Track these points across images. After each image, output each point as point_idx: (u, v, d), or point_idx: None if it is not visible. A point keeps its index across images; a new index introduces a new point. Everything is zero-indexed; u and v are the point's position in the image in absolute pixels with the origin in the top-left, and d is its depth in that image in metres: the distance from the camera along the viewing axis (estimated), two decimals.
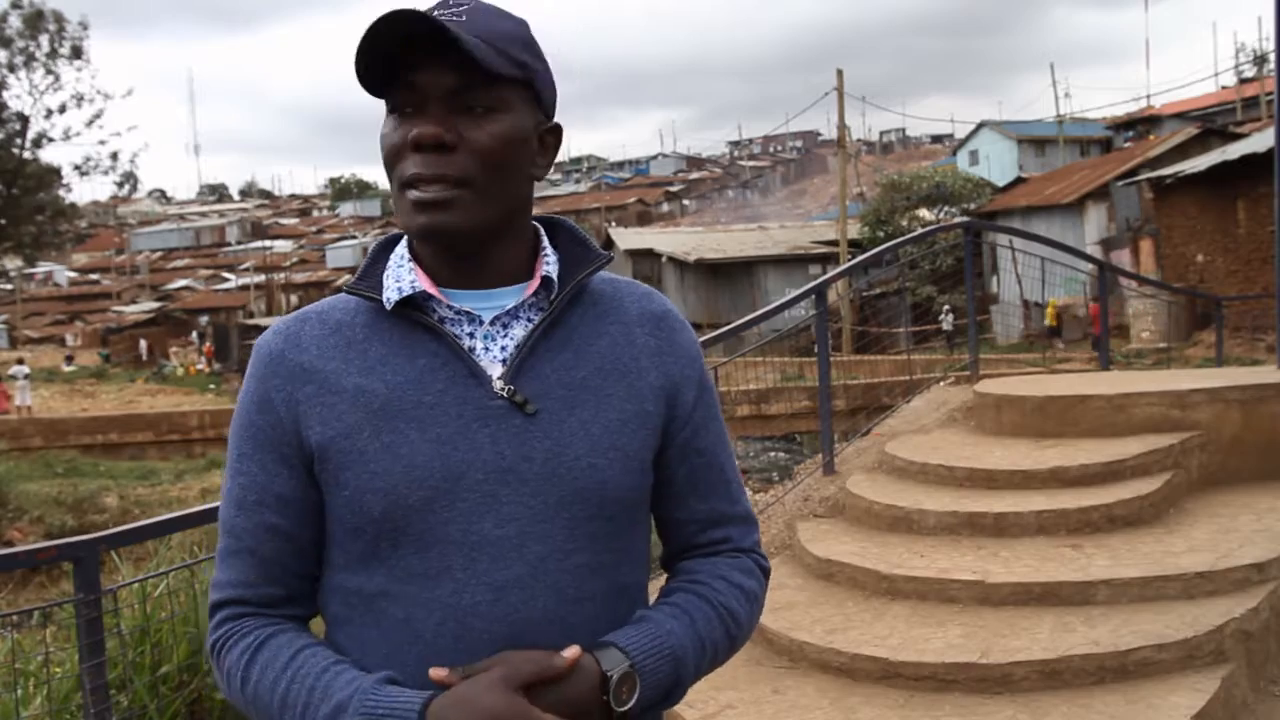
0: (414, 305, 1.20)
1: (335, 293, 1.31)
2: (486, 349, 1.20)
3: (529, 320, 1.22)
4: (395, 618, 1.16)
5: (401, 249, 1.25)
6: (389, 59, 1.14)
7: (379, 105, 1.25)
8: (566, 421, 1.18)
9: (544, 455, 1.17)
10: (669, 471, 1.28)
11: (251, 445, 1.21)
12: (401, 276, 1.21)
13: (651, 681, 1.15)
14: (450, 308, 1.20)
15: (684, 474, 1.29)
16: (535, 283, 1.22)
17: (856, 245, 31.04)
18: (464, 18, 1.15)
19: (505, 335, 1.21)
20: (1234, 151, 21.80)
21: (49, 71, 34.32)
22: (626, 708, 1.12)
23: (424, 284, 1.20)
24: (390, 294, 1.20)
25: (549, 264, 1.23)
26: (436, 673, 1.11)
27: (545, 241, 1.27)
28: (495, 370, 1.19)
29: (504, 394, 1.17)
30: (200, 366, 42.78)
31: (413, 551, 1.15)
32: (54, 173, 35.82)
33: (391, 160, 1.18)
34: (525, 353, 1.20)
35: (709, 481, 1.30)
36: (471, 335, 1.21)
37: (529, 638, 1.15)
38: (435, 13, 1.15)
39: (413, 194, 1.16)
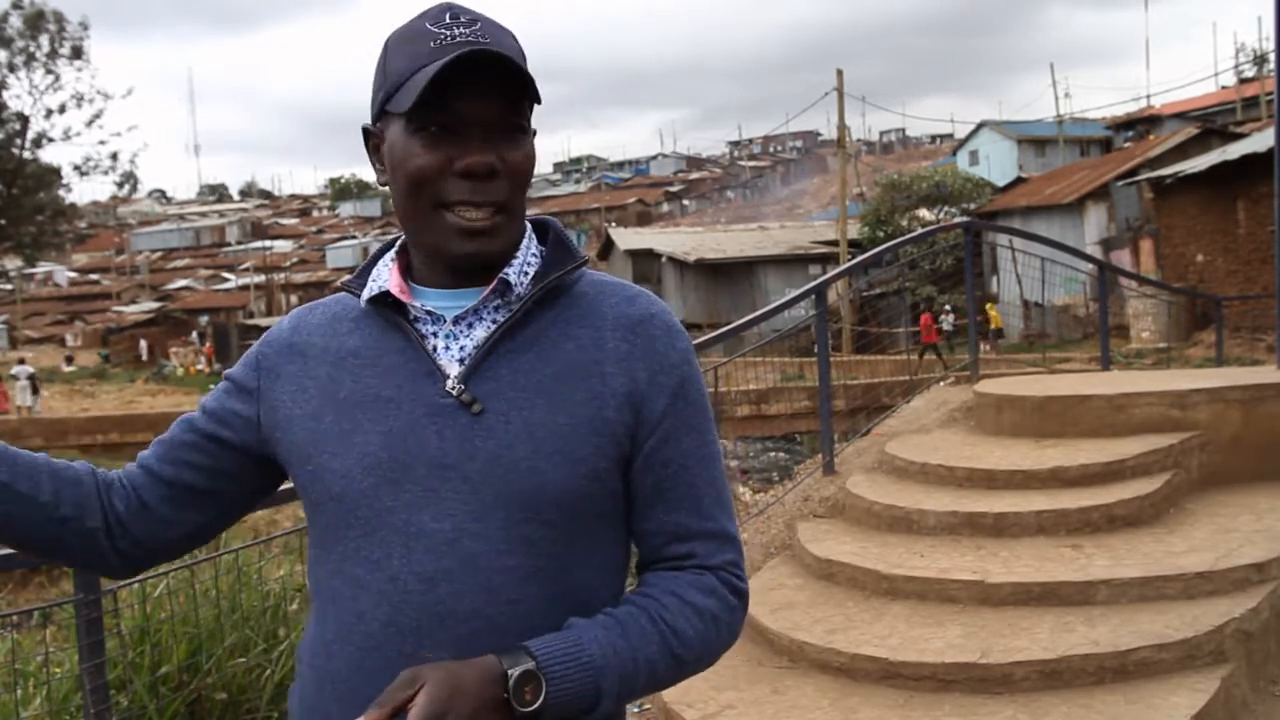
0: (392, 304, 1.24)
1: (339, 291, 1.36)
2: (448, 348, 1.23)
3: (493, 321, 1.23)
4: (345, 597, 1.21)
5: (391, 251, 1.29)
6: (437, 85, 1.14)
7: None
8: (514, 423, 1.19)
9: (486, 454, 1.18)
10: (636, 481, 1.24)
11: (228, 381, 1.33)
12: (379, 275, 1.26)
13: (562, 687, 1.10)
14: (419, 307, 1.23)
15: (650, 484, 1.24)
16: (492, 284, 1.22)
17: (856, 245, 31.02)
18: (488, 38, 1.17)
19: (467, 335, 1.23)
20: (1234, 151, 21.77)
21: (49, 71, 34.47)
22: (531, 709, 1.09)
23: (391, 285, 1.23)
24: (366, 292, 1.26)
25: (512, 268, 1.23)
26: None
27: (528, 244, 1.27)
28: (454, 369, 1.21)
29: (453, 393, 1.20)
30: (200, 367, 42.73)
31: (361, 535, 1.20)
32: (54, 173, 35.92)
33: (424, 180, 1.18)
34: (483, 353, 1.21)
35: (676, 494, 1.24)
36: (435, 334, 1.23)
37: (455, 631, 1.15)
38: (456, 31, 1.17)
39: (455, 219, 1.18)
